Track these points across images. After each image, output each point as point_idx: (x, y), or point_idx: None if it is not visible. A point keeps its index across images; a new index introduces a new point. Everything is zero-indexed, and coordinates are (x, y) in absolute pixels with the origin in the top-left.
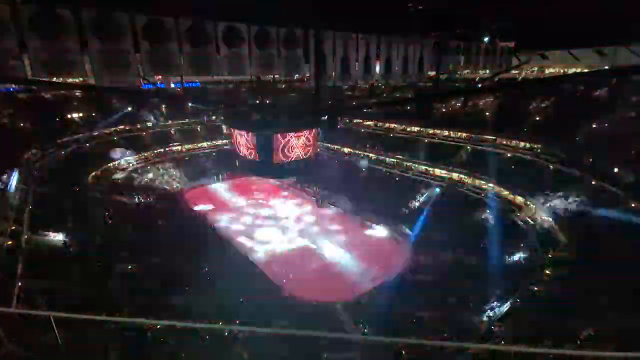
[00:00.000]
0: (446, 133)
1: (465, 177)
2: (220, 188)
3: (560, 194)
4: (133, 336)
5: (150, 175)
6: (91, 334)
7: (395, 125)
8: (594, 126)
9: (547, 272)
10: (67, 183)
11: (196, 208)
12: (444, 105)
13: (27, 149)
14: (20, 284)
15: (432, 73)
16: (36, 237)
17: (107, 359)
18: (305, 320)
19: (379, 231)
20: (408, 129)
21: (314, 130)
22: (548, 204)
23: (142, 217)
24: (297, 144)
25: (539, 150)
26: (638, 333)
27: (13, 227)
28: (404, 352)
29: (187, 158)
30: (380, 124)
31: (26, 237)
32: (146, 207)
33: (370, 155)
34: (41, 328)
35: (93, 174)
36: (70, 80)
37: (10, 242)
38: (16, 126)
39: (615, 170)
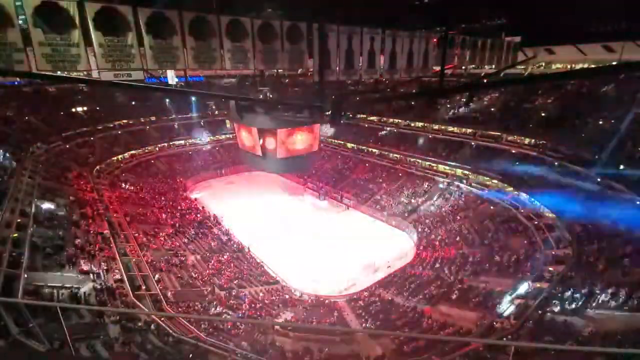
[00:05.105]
0: (451, 129)
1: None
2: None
3: None
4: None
5: None
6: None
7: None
8: (600, 122)
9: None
10: None
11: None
12: (448, 100)
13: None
14: (26, 275)
15: (437, 68)
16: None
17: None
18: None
19: None
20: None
21: (317, 124)
22: None
23: None
24: (300, 139)
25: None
26: None
27: (19, 220)
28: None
29: None
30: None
31: (31, 229)
32: None
33: None
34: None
35: None
36: (74, 74)
37: (16, 235)
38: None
39: (621, 166)
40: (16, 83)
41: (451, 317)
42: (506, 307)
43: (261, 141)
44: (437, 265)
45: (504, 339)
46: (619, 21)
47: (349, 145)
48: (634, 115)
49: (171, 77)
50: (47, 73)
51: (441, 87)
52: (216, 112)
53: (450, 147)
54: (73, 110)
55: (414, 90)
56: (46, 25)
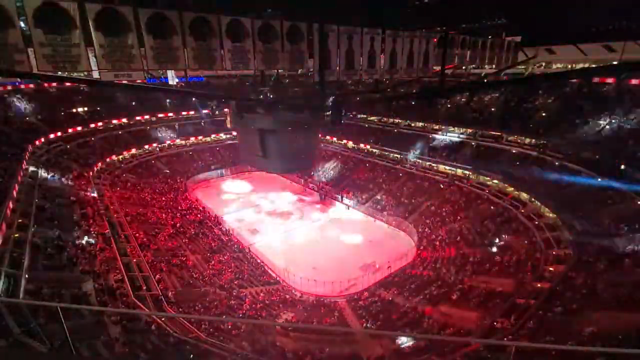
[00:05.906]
0: (451, 129)
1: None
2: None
3: None
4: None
5: None
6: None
7: None
8: (601, 122)
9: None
10: None
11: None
12: (448, 100)
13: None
14: (27, 275)
15: (437, 68)
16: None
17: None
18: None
19: None
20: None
21: (317, 125)
22: None
23: None
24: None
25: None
26: None
27: (20, 220)
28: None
29: None
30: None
31: (33, 229)
32: None
33: None
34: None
35: None
36: (75, 74)
37: (17, 235)
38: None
39: (622, 167)
40: (16, 83)
41: (451, 317)
42: None
43: (262, 141)
44: (438, 265)
45: (504, 339)
46: (619, 20)
47: (350, 145)
48: None
49: (171, 78)
50: (47, 73)
51: (441, 87)
52: (216, 112)
53: (450, 147)
54: (73, 110)
55: (414, 90)
56: (47, 26)
